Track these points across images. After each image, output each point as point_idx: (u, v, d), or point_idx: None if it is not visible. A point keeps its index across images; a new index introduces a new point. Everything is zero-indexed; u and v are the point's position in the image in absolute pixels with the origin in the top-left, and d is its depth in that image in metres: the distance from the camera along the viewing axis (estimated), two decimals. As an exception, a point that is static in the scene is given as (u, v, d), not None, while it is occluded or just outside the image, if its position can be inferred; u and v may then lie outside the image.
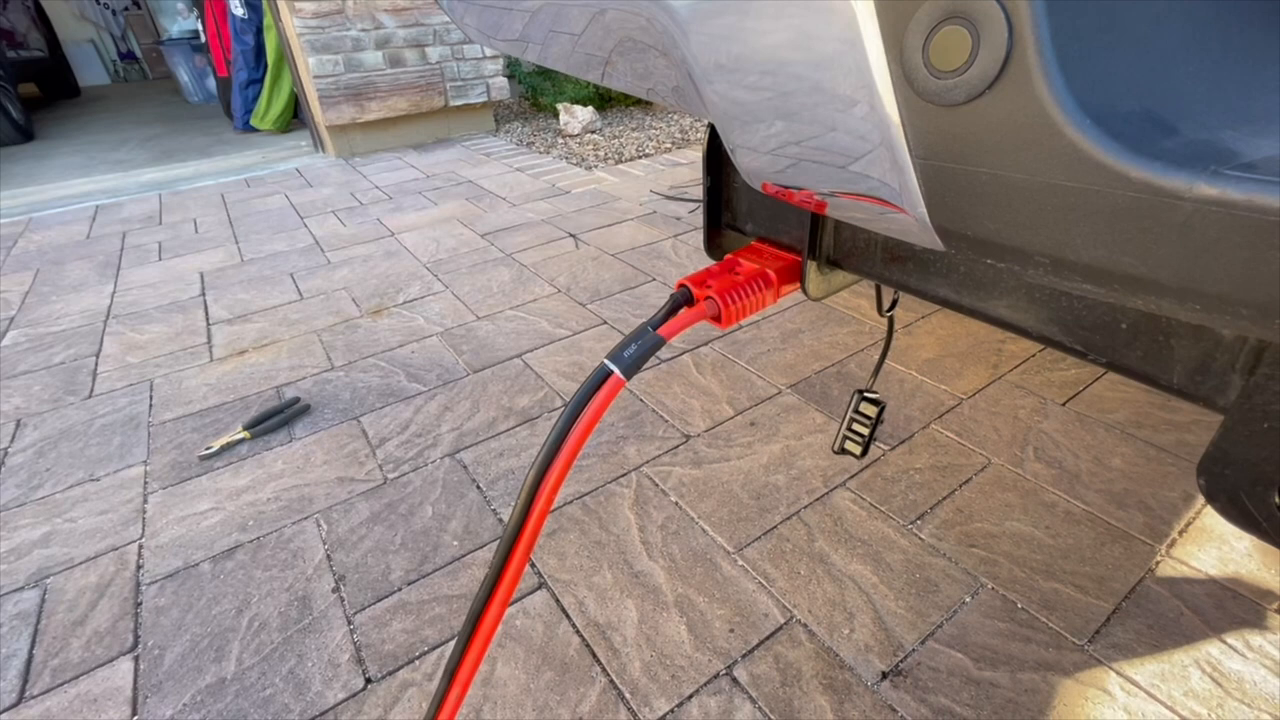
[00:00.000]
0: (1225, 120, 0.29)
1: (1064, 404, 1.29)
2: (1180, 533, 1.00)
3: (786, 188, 0.45)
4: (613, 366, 0.52)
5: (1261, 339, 0.33)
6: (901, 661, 0.85)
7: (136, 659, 0.90)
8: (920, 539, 1.02)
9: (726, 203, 0.69)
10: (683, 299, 0.59)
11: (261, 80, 3.90)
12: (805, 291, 0.61)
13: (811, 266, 0.60)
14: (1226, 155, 0.26)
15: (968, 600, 0.92)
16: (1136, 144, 0.27)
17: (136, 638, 0.93)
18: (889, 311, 0.81)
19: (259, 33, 3.73)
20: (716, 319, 0.58)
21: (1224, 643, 0.84)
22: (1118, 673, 0.82)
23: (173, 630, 0.94)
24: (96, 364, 1.63)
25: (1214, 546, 0.97)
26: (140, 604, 0.98)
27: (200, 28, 4.47)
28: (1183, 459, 1.14)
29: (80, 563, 1.06)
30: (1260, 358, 0.33)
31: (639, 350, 0.53)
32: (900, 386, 1.37)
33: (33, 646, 0.93)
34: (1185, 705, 0.78)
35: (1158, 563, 0.96)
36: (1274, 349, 0.32)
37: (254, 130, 4.10)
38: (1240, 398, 0.34)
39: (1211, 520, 1.02)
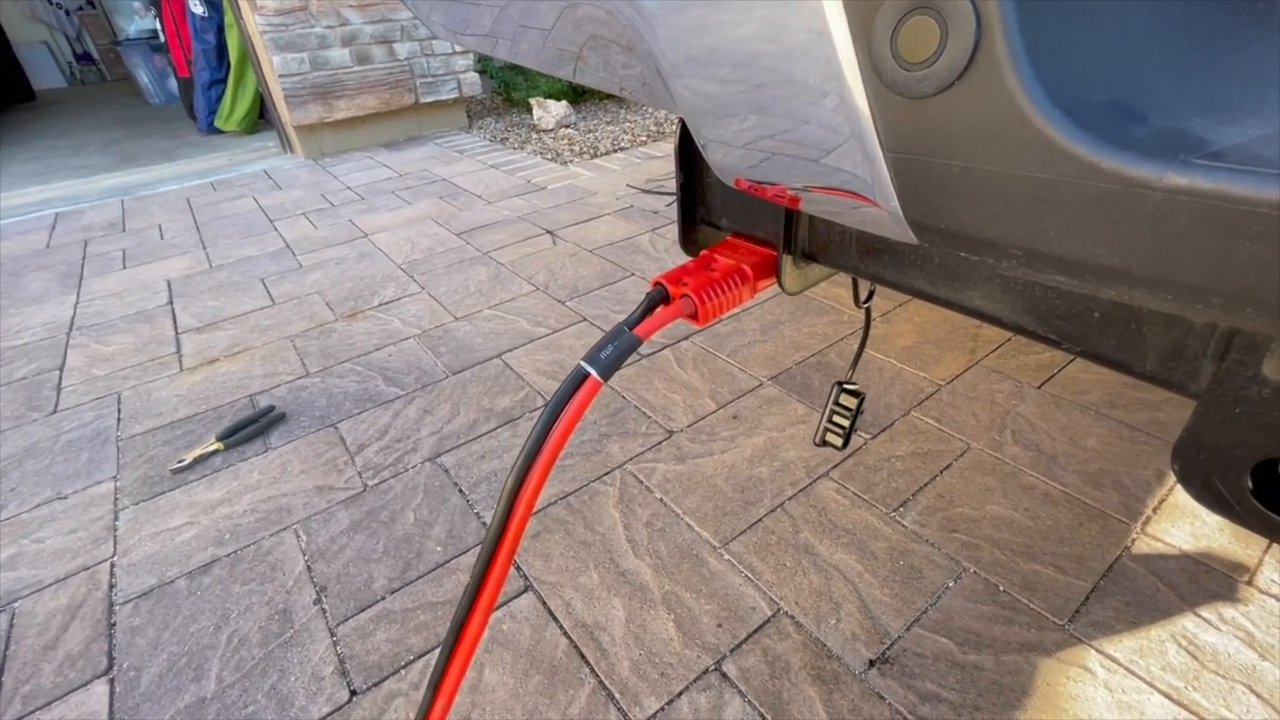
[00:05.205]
0: (1193, 108, 0.29)
1: (1039, 387, 1.31)
2: (1154, 510, 1.02)
3: (759, 183, 0.45)
4: (589, 369, 0.51)
5: (1232, 326, 0.33)
6: (888, 649, 0.86)
7: (112, 681, 0.88)
8: (903, 526, 1.03)
9: (701, 198, 0.68)
10: (659, 297, 0.58)
11: (225, 80, 3.80)
12: (781, 286, 0.61)
13: (787, 261, 0.60)
14: (1195, 144, 0.26)
15: (951, 585, 0.93)
16: (1106, 134, 0.27)
17: (111, 659, 0.91)
18: (866, 303, 0.81)
19: (220, 31, 3.63)
20: (693, 317, 0.57)
21: (1199, 616, 0.86)
22: (1098, 650, 0.84)
23: (149, 650, 0.92)
24: (60, 378, 1.58)
25: (1187, 522, 1.00)
26: (114, 624, 0.96)
27: (159, 27, 4.34)
28: (1155, 437, 1.16)
29: (50, 584, 1.03)
30: (1231, 344, 0.33)
31: (615, 351, 0.52)
32: (880, 375, 1.38)
33: (1, 673, 0.90)
34: (1163, 679, 0.80)
35: (1133, 540, 0.98)
36: (1244, 335, 0.32)
37: (219, 132, 4.00)
38: (1212, 384, 0.34)
39: (1184, 497, 1.04)
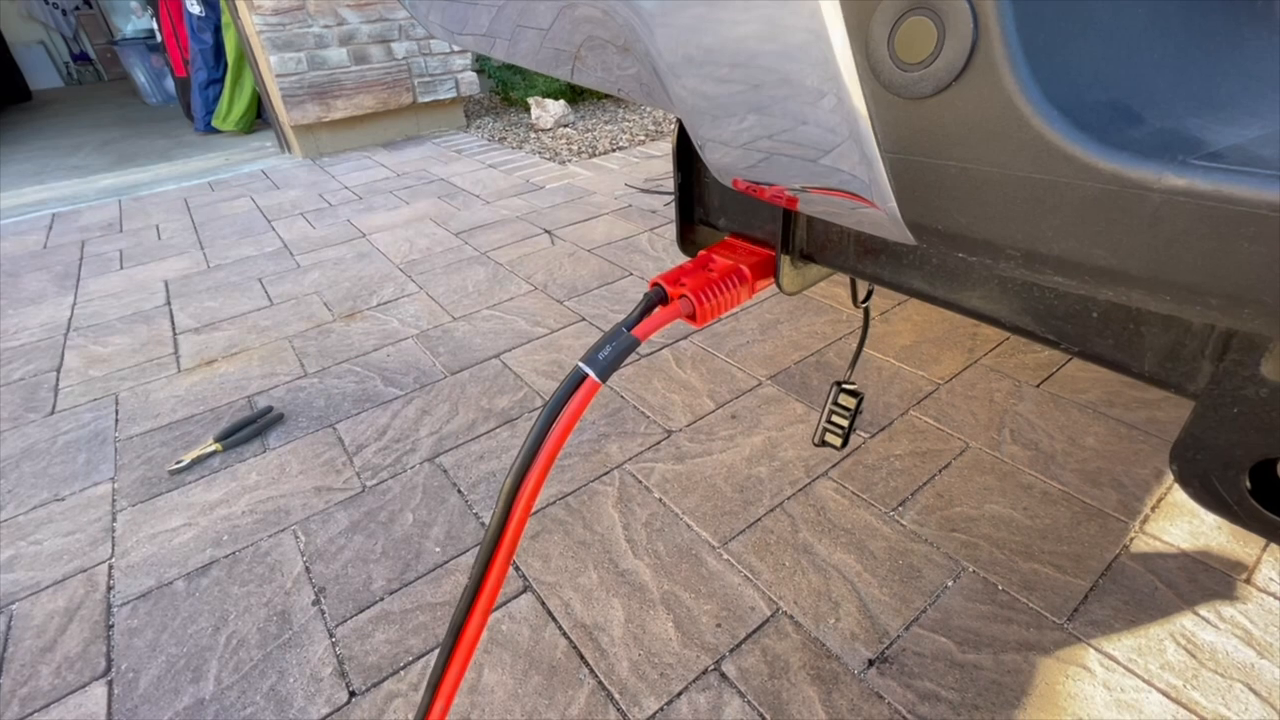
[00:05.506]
0: (1190, 108, 0.29)
1: (1038, 385, 1.31)
2: (1153, 509, 1.02)
3: (757, 184, 0.45)
4: (587, 369, 0.51)
5: (1230, 327, 0.33)
6: (887, 649, 0.86)
7: (110, 683, 0.88)
8: (902, 525, 1.03)
9: (698, 198, 0.68)
10: (657, 298, 0.58)
11: (222, 80, 3.79)
12: (780, 286, 0.61)
13: (785, 261, 0.59)
14: (1193, 144, 0.26)
15: (950, 584, 0.93)
16: (1104, 134, 0.26)
17: (109, 661, 0.91)
18: (864, 303, 0.81)
19: (217, 31, 3.62)
20: (691, 317, 0.57)
21: (1197, 615, 0.87)
22: (1096, 649, 0.84)
23: (147, 652, 0.91)
24: (58, 379, 1.58)
25: (1185, 521, 1.00)
26: (112, 626, 0.96)
27: (155, 26, 4.33)
28: (1153, 435, 1.16)
29: (47, 586, 1.03)
30: (1229, 344, 0.33)
31: (613, 352, 0.52)
32: (878, 374, 1.38)
33: (-1, 676, 0.90)
34: (1162, 678, 0.80)
35: (1132, 539, 0.98)
36: (1242, 336, 0.32)
37: (216, 132, 4.00)
38: (1210, 384, 0.34)
39: (1182, 495, 1.05)
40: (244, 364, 1.58)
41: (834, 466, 1.15)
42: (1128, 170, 0.25)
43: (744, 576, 0.97)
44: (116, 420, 1.41)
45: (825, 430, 0.89)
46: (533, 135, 3.51)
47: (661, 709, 0.81)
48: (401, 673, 0.87)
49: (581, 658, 0.87)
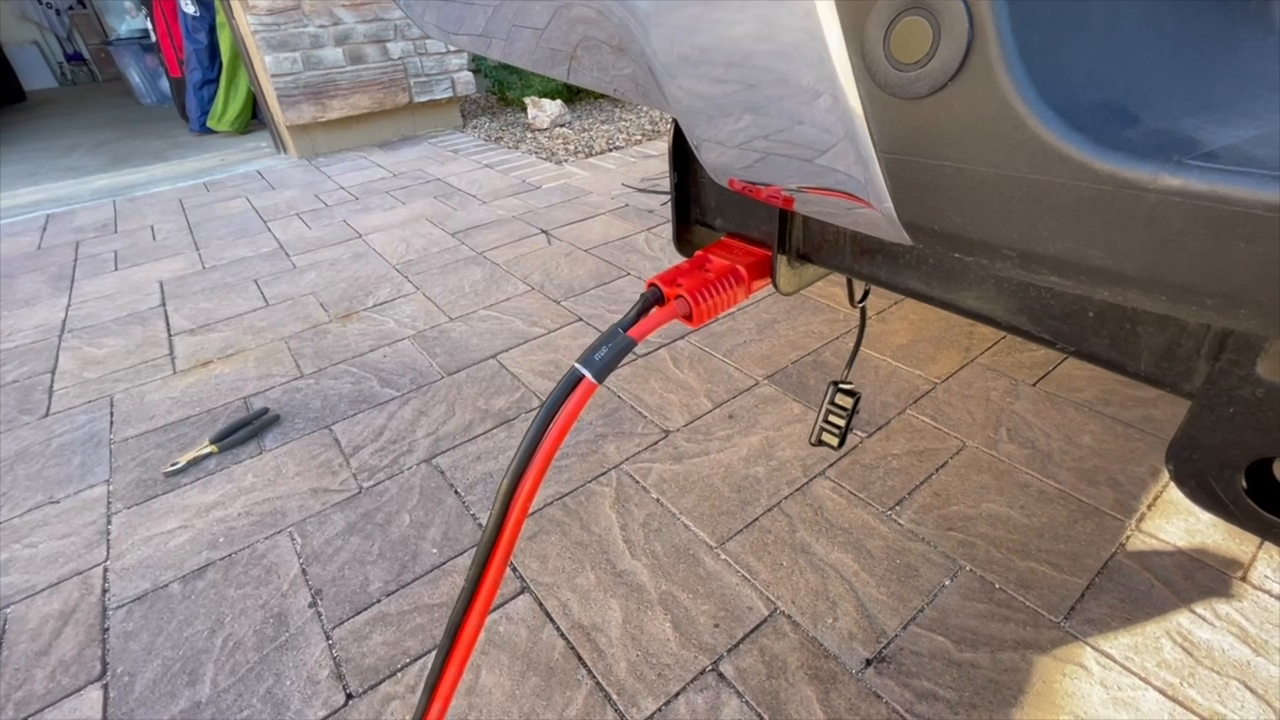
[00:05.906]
0: (1186, 108, 0.29)
1: (1034, 384, 1.31)
2: (1149, 507, 1.03)
3: (753, 184, 0.45)
4: (584, 371, 0.51)
5: (1226, 327, 0.33)
6: (885, 648, 0.86)
7: (105, 687, 0.87)
8: (900, 524, 1.03)
9: (695, 198, 0.68)
10: (653, 298, 0.58)
11: (217, 80, 3.78)
12: (776, 286, 0.61)
13: (782, 261, 0.59)
14: (1188, 144, 0.26)
15: (947, 583, 0.93)
16: (1099, 135, 0.26)
17: (105, 665, 0.90)
18: (861, 303, 0.81)
19: (212, 31, 3.61)
20: (688, 318, 0.57)
21: (1193, 613, 0.87)
22: (1093, 647, 0.84)
23: (143, 655, 0.91)
24: (52, 381, 1.57)
25: (1181, 519, 1.00)
26: (108, 629, 0.95)
27: (150, 26, 4.31)
28: (1149, 434, 1.17)
29: (42, 589, 1.02)
30: (1225, 344, 0.33)
31: (610, 353, 0.52)
32: (875, 373, 1.38)
33: (-6, 680, 0.89)
34: (1158, 676, 0.80)
35: (1128, 537, 0.98)
36: (1238, 335, 0.32)
37: (211, 132, 3.98)
38: (1206, 384, 0.34)
39: (1178, 493, 1.05)
40: (240, 365, 1.58)
41: (831, 466, 1.15)
42: (1123, 170, 0.25)
43: (741, 576, 0.97)
44: (111, 422, 1.40)
45: (822, 430, 0.89)
46: (529, 135, 3.51)
47: (659, 709, 0.81)
48: (399, 674, 0.86)
49: (579, 658, 0.87)
